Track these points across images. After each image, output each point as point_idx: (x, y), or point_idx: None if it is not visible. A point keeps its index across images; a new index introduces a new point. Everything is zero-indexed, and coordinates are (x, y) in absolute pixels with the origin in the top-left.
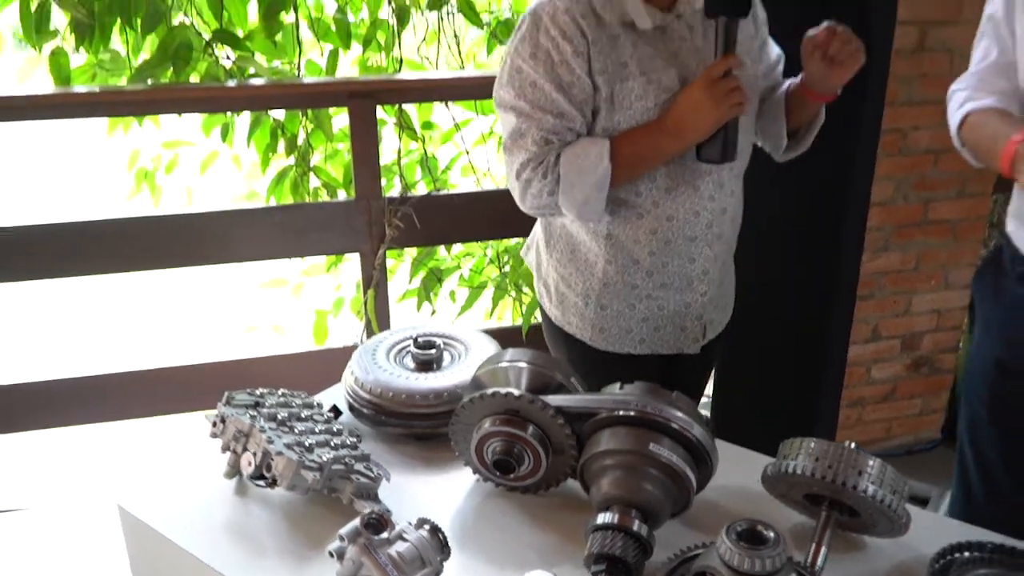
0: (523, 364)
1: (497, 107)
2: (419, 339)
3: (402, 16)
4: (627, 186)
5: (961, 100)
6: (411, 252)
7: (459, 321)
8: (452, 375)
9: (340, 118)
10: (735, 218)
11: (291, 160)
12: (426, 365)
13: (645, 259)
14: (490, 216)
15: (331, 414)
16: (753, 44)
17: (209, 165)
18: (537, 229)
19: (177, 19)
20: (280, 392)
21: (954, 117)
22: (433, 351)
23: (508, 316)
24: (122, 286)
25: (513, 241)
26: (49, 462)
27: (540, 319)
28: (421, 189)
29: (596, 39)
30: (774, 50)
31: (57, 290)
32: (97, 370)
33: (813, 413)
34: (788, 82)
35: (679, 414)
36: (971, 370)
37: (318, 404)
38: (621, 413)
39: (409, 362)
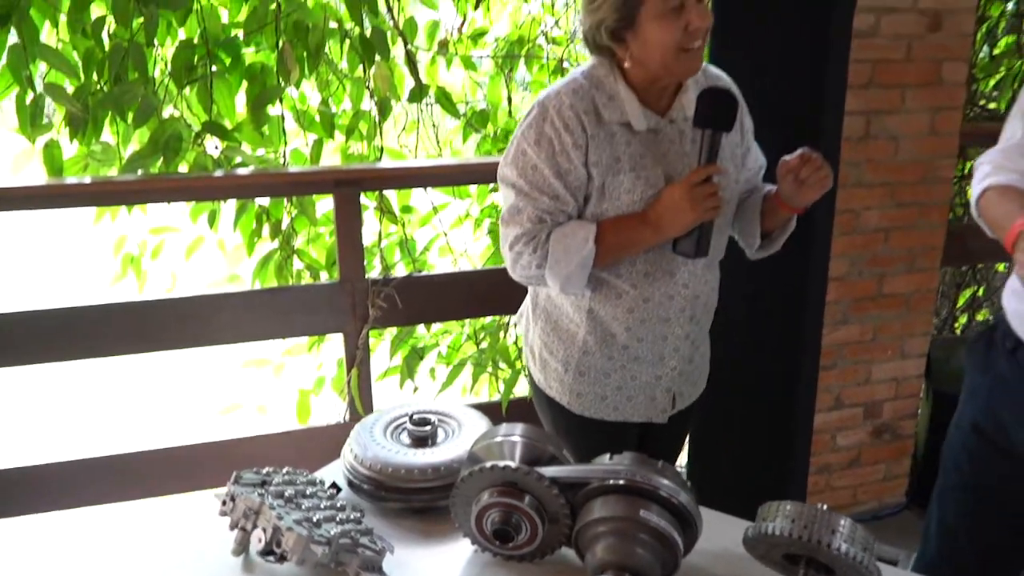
0: (517, 438)
1: (500, 181)
2: (414, 416)
3: (383, 108)
4: (610, 268)
5: (984, 174)
6: (390, 330)
7: (440, 397)
8: (447, 450)
9: (323, 202)
10: (708, 303)
11: (275, 244)
12: (422, 441)
13: (622, 334)
14: (469, 295)
15: (332, 490)
16: (737, 151)
17: (195, 250)
18: (527, 300)
19: (167, 111)
20: (285, 471)
21: (975, 189)
22: (428, 427)
23: (486, 391)
24: (105, 369)
25: (488, 319)
26: (46, 546)
27: (522, 393)
28: (400, 270)
29: (595, 134)
30: (758, 158)
31: (42, 375)
32: (88, 453)
33: (784, 480)
34: (766, 188)
35: (666, 482)
36: (950, 437)
37: (320, 481)
38: (612, 482)
39: (405, 438)
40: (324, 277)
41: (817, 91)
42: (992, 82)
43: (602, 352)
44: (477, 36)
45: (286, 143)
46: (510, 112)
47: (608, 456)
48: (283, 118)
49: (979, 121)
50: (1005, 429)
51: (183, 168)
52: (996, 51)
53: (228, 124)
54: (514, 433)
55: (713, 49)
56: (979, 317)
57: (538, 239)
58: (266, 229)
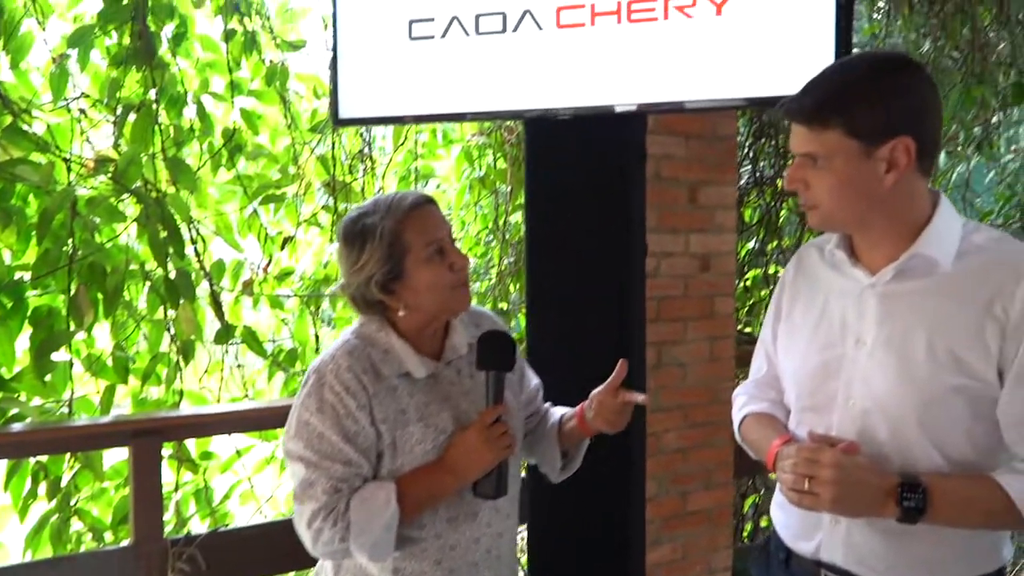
0: None
1: (286, 457)
2: None
3: (187, 351)
4: (412, 521)
5: (742, 404)
6: None
7: None
8: None
9: (110, 452)
10: (512, 539)
11: (52, 504)
12: None
13: None
14: (281, 548)
15: None
16: (514, 377)
17: None
18: (324, 561)
19: None
20: None
21: (736, 417)
22: None
23: None
24: None
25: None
26: None
27: None
28: (196, 523)
29: (376, 392)
30: (533, 379)
31: None
32: None
33: None
34: (558, 414)
35: None
36: None
37: None
38: None
39: None
40: (108, 538)
41: (624, 328)
42: (744, 310)
43: None
44: (284, 275)
45: (72, 391)
46: (317, 349)
47: None
48: (71, 364)
49: (742, 345)
50: None
51: None
52: (747, 283)
53: (5, 373)
54: None
55: (531, 303)
56: (763, 523)
57: (336, 511)
58: (43, 488)
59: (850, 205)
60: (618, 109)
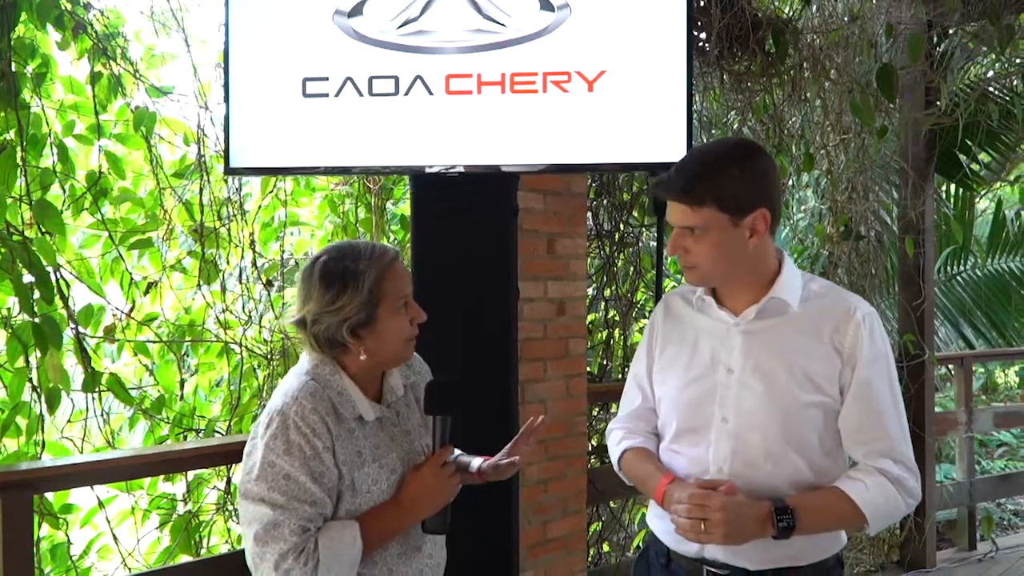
0: None
1: (245, 499)
2: None
3: (52, 400)
4: (365, 559)
5: (619, 438)
6: None
7: None
8: None
9: None
10: (442, 564)
11: None
12: None
13: None
14: None
15: None
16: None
17: None
18: None
19: None
20: None
21: (615, 451)
22: None
23: None
24: None
25: None
26: None
27: None
28: None
29: (339, 434)
30: None
31: None
32: None
33: None
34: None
35: None
36: None
37: None
38: None
39: None
40: None
41: (504, 368)
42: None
43: None
44: (148, 320)
45: None
46: (182, 396)
47: None
48: None
49: (590, 383)
50: None
51: None
52: (589, 326)
53: None
54: None
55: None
56: (605, 548)
57: (307, 551)
58: None
59: (723, 265)
60: (504, 169)
